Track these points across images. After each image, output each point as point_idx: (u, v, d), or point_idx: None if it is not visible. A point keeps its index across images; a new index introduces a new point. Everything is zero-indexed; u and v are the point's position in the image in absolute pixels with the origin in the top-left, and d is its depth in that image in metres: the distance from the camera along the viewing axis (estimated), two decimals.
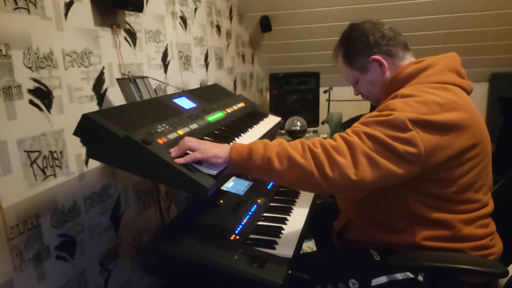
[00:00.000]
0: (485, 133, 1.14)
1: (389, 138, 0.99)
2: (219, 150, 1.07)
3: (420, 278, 1.08)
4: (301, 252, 1.21)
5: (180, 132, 1.20)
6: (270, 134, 1.62)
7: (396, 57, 1.22)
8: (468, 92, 1.18)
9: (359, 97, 1.34)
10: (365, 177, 0.98)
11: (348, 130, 1.06)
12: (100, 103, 1.57)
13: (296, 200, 1.47)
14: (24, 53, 1.21)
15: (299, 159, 1.01)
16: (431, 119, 1.01)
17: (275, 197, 1.49)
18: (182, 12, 2.32)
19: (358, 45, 1.24)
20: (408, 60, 1.23)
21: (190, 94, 1.57)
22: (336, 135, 1.06)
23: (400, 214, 1.13)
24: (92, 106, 1.53)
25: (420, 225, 1.12)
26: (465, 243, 1.11)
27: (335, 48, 1.33)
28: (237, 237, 1.15)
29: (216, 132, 1.36)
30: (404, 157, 0.99)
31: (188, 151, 1.06)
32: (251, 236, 1.18)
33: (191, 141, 1.07)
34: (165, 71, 2.10)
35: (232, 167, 1.09)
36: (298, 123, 2.90)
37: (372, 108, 1.22)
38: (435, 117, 1.02)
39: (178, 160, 1.02)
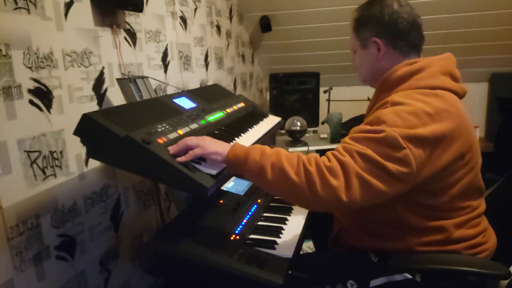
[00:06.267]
0: (475, 140, 1.12)
1: (381, 157, 0.98)
2: (219, 147, 1.07)
3: (418, 279, 1.08)
4: (301, 252, 1.21)
5: (180, 132, 1.20)
6: (270, 134, 1.62)
7: (399, 51, 1.18)
8: (461, 96, 1.16)
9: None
10: (356, 198, 0.98)
11: (340, 148, 1.04)
12: (100, 103, 1.57)
13: None
14: (24, 53, 1.21)
15: (291, 174, 1.00)
16: (421, 134, 1.00)
17: (275, 197, 1.49)
18: (182, 12, 2.32)
19: (371, 19, 1.19)
20: (409, 60, 1.19)
21: (190, 94, 1.57)
22: (329, 154, 1.04)
23: (392, 224, 1.13)
24: (92, 106, 1.52)
25: (412, 233, 1.12)
26: (458, 244, 1.11)
27: (356, 9, 1.27)
28: (237, 237, 1.15)
29: (216, 132, 1.36)
30: (396, 176, 0.98)
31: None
32: (251, 236, 1.19)
33: (190, 139, 1.07)
34: (165, 71, 2.10)
35: (228, 167, 1.09)
36: (298, 123, 2.90)
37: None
38: (426, 130, 1.01)
39: (179, 159, 1.02)
